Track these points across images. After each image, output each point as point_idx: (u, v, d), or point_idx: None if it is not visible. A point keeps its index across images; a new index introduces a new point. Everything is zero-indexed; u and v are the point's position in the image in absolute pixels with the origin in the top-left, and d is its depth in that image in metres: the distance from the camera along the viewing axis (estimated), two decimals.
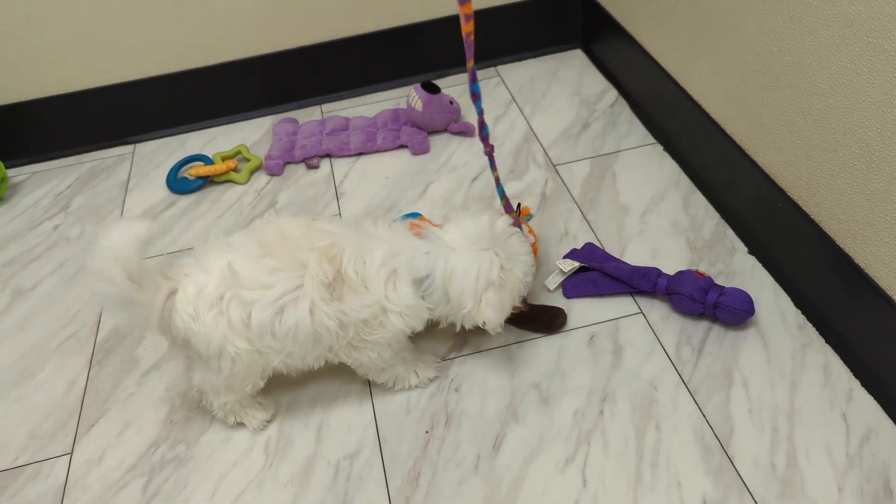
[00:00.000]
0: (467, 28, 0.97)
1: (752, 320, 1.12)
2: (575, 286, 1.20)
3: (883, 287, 0.96)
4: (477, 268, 0.96)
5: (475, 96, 1.06)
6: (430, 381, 1.11)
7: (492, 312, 0.96)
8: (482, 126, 1.10)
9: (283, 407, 1.11)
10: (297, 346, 0.95)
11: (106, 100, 1.70)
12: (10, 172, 1.70)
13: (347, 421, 1.08)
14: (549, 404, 1.06)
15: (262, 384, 1.03)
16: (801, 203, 1.10)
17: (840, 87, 0.95)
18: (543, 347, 1.14)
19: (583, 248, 1.25)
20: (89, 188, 1.64)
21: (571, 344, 1.14)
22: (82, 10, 1.57)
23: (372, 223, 1.02)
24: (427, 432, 1.05)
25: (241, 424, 1.08)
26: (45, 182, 1.68)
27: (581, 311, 1.19)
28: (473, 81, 1.04)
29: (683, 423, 1.01)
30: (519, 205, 1.27)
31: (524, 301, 1.09)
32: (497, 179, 1.17)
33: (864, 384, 1.02)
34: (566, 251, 1.25)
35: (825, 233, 1.05)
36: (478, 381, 1.11)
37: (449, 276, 0.96)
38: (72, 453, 1.09)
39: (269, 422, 1.08)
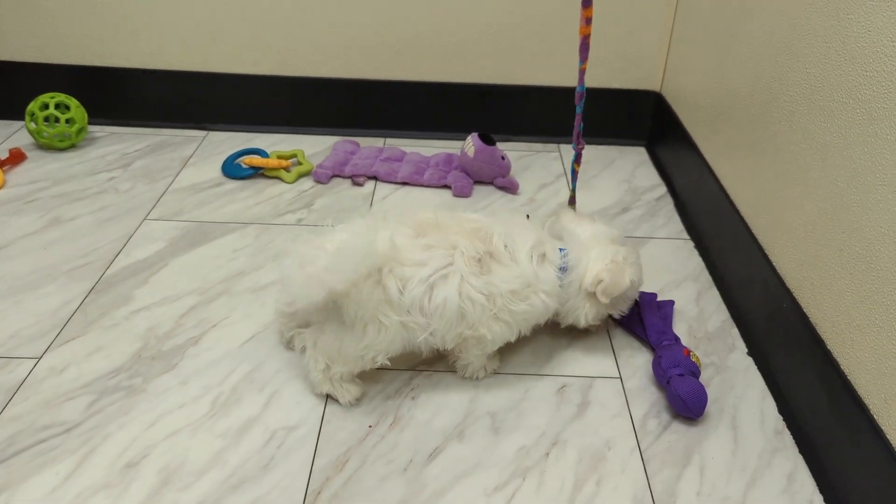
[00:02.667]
0: (586, 30, 1.13)
1: (730, 414, 1.07)
2: None
3: (861, 395, 0.91)
4: (604, 253, 1.09)
5: (581, 96, 1.21)
6: (494, 373, 1.13)
7: (607, 274, 1.07)
8: (578, 123, 1.25)
9: (245, 369, 1.12)
10: (442, 322, 0.99)
11: (194, 85, 1.83)
12: (93, 128, 1.84)
13: (300, 397, 1.08)
14: (497, 434, 1.03)
15: (387, 363, 1.02)
16: (803, 304, 1.06)
17: (856, 183, 0.94)
18: (511, 383, 1.12)
19: (651, 294, 1.26)
20: (154, 156, 1.75)
21: (540, 387, 1.11)
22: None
23: (510, 213, 1.12)
24: (370, 427, 1.04)
25: (329, 397, 1.07)
26: (119, 142, 1.80)
27: (561, 361, 1.17)
28: (581, 83, 1.20)
29: (626, 487, 0.96)
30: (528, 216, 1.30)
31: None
32: (576, 173, 1.32)
33: (826, 500, 0.95)
34: None
35: (819, 336, 1.01)
36: (437, 395, 1.09)
37: (586, 269, 1.07)
38: (39, 359, 1.13)
39: (359, 399, 1.06)
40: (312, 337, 1.04)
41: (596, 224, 1.15)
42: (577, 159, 1.30)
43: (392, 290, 0.96)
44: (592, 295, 1.09)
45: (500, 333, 1.05)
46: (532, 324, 1.08)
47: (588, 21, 1.12)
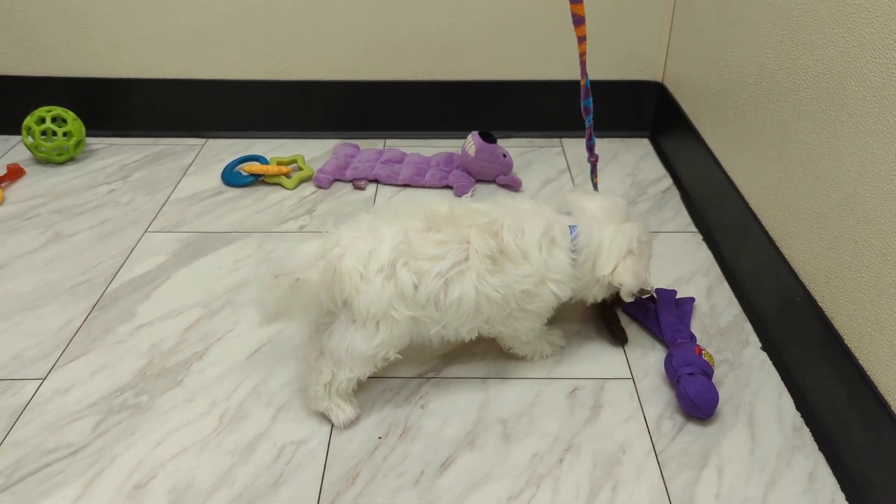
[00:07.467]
0: (581, 48, 1.13)
1: (746, 412, 1.05)
2: (634, 305, 1.23)
3: (881, 391, 0.89)
4: (620, 237, 1.05)
5: (587, 111, 1.20)
6: (561, 349, 1.16)
7: (629, 276, 1.04)
8: (590, 137, 1.23)
9: (251, 383, 1.11)
10: (457, 317, 0.98)
11: (191, 93, 1.81)
12: (91, 140, 1.82)
13: (307, 410, 1.06)
14: (509, 441, 1.01)
15: (398, 357, 1.01)
16: (817, 298, 1.04)
17: (869, 174, 0.91)
18: (521, 388, 1.10)
19: (670, 291, 1.24)
20: (153, 166, 1.73)
21: (551, 391, 1.09)
22: (192, 7, 1.70)
23: (512, 198, 1.09)
24: (380, 438, 1.02)
25: (324, 416, 1.04)
26: (118, 153, 1.79)
27: (572, 363, 1.15)
28: (586, 97, 1.18)
29: (642, 492, 0.94)
30: None
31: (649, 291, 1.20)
32: (595, 185, 1.30)
33: (849, 499, 0.93)
34: None
35: (836, 330, 0.99)
36: (446, 403, 1.07)
37: (598, 246, 1.04)
38: (44, 380, 1.11)
39: (353, 422, 1.03)
40: (317, 347, 1.02)
41: (605, 196, 1.11)
42: (594, 170, 1.29)
43: (406, 284, 0.94)
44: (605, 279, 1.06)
45: (523, 328, 1.06)
46: (551, 310, 1.07)
47: (581, 39, 1.12)
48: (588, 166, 1.30)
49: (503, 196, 1.58)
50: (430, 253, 0.96)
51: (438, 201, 1.04)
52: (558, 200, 1.11)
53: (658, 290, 1.24)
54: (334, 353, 0.98)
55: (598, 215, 1.06)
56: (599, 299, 1.11)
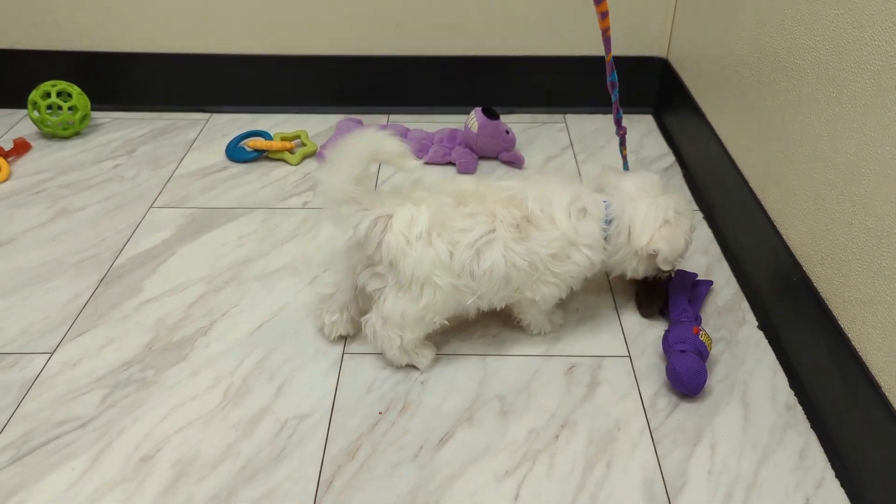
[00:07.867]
0: (604, 24, 1.14)
1: (740, 390, 1.07)
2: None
3: (873, 371, 0.90)
4: (655, 209, 1.08)
5: (613, 85, 1.22)
6: (560, 327, 1.18)
7: (664, 244, 1.07)
8: (617, 110, 1.26)
9: (255, 358, 1.13)
10: (490, 285, 1.03)
11: (195, 67, 1.82)
12: (96, 114, 1.83)
13: (310, 385, 1.08)
14: (507, 417, 1.04)
15: (445, 323, 1.07)
16: (813, 278, 1.05)
17: (866, 156, 0.92)
18: (519, 365, 1.12)
19: (690, 274, 1.24)
20: (157, 141, 1.75)
21: (549, 368, 1.11)
22: None
23: (542, 175, 1.10)
24: (380, 413, 1.04)
25: (409, 367, 1.11)
26: (123, 128, 1.80)
27: (570, 341, 1.16)
28: (612, 72, 1.21)
29: (636, 468, 0.97)
30: None
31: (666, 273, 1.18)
32: (625, 157, 1.32)
33: (838, 476, 0.95)
34: None
35: (830, 311, 1.00)
36: (446, 379, 1.10)
37: (632, 220, 1.08)
38: (52, 354, 1.14)
39: (435, 360, 1.11)
40: (378, 318, 1.05)
41: (639, 174, 1.14)
42: (623, 143, 1.31)
43: (443, 252, 0.99)
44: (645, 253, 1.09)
45: (549, 294, 1.08)
46: (581, 279, 1.10)
47: (604, 15, 1.13)
48: (609, 142, 1.38)
49: (507, 173, 1.60)
50: (460, 225, 1.00)
51: (465, 180, 1.10)
52: (594, 181, 1.15)
53: (678, 272, 1.24)
54: (391, 317, 1.03)
55: (632, 192, 1.10)
56: (641, 274, 1.14)
